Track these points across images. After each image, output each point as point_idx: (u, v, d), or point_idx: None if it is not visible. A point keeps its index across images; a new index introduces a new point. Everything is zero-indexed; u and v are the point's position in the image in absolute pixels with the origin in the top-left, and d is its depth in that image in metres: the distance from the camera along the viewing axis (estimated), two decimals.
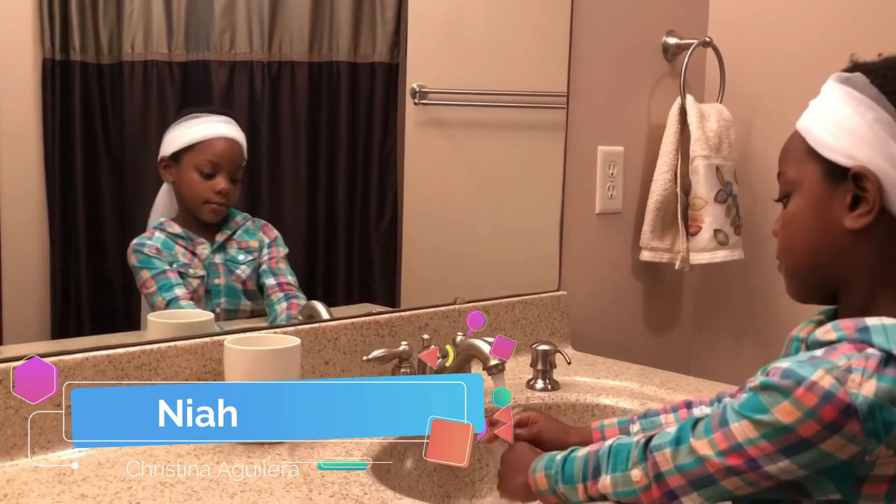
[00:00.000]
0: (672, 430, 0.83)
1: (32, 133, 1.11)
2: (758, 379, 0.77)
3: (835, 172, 0.80)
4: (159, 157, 1.23)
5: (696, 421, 0.81)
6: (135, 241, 1.22)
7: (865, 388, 0.72)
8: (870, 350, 0.74)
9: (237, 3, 1.26)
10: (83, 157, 1.16)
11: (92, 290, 1.19)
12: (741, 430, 0.76)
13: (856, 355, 0.74)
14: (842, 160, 0.79)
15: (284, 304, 1.31)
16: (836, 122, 0.80)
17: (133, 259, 1.22)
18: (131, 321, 1.21)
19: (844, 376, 0.72)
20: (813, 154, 0.82)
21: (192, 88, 1.24)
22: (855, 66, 0.84)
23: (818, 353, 0.77)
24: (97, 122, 1.17)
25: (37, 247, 1.13)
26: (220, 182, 1.26)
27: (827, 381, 0.72)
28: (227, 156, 1.26)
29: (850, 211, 0.80)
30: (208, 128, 1.25)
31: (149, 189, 1.24)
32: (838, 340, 0.77)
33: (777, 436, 0.73)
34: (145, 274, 1.21)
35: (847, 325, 0.77)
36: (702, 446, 0.78)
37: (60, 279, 1.15)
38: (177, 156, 1.23)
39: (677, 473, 0.80)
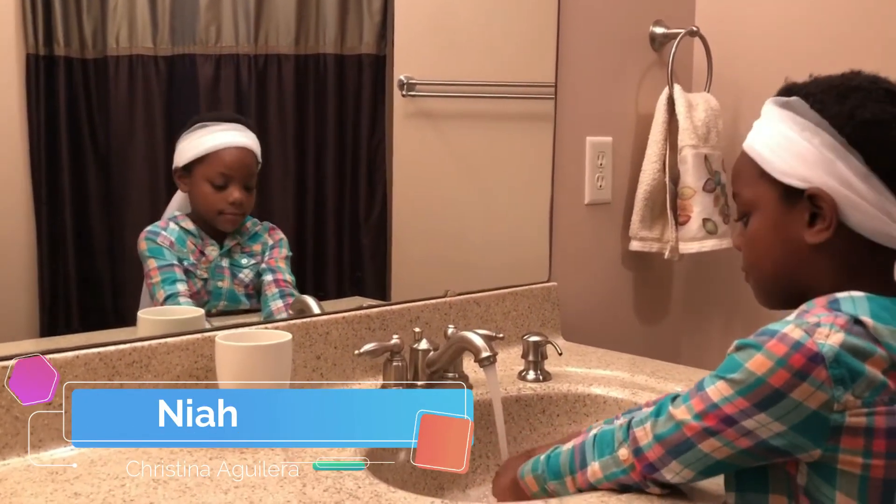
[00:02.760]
0: (653, 408, 0.87)
1: (17, 129, 1.10)
2: (734, 343, 0.82)
3: (791, 193, 0.86)
4: (173, 166, 1.23)
5: (677, 395, 0.85)
6: (149, 227, 1.22)
7: (832, 339, 0.77)
8: (840, 313, 0.81)
9: None
10: (69, 153, 1.15)
11: (81, 288, 1.18)
12: (717, 390, 0.80)
13: (826, 314, 0.81)
14: (797, 183, 0.85)
15: (280, 303, 1.30)
16: (786, 147, 0.86)
17: (144, 246, 1.21)
18: (121, 318, 1.20)
19: (813, 329, 0.78)
20: (767, 177, 0.88)
21: (178, 82, 1.23)
22: (790, 89, 0.89)
23: (792, 315, 0.84)
24: (83, 117, 1.16)
25: (24, 244, 1.13)
26: (234, 193, 1.25)
27: (797, 333, 0.78)
28: (238, 166, 1.25)
29: (809, 227, 0.86)
30: (217, 138, 1.24)
31: (136, 184, 1.23)
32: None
33: (751, 390, 0.78)
34: (153, 263, 1.21)
35: (819, 301, 0.83)
36: (680, 412, 0.82)
37: (49, 277, 1.14)
38: (189, 167, 1.23)
39: (656, 443, 0.84)
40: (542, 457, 0.95)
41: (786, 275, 0.89)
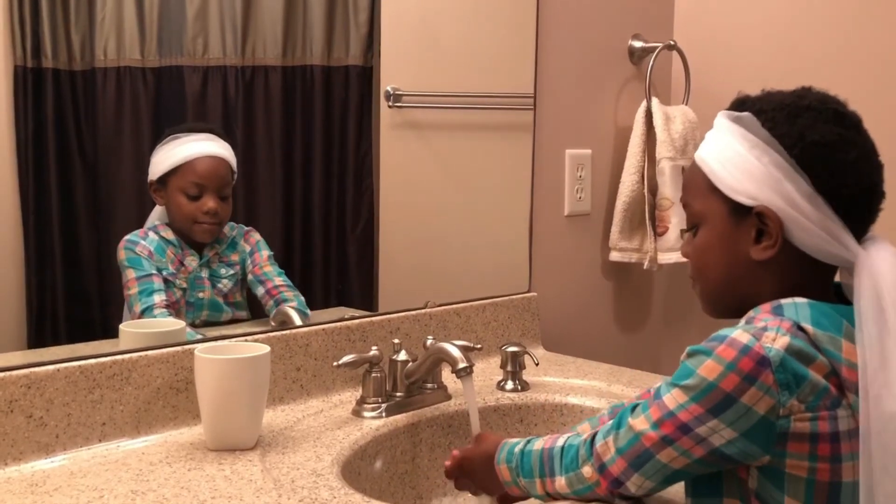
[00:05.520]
0: (613, 420, 0.88)
1: (5, 141, 1.10)
2: (686, 350, 0.84)
3: (739, 210, 0.88)
4: (148, 180, 1.23)
5: (636, 405, 0.87)
6: (128, 237, 1.22)
7: (778, 343, 0.79)
8: (784, 317, 0.83)
9: (210, 8, 1.25)
10: (57, 165, 1.15)
11: (68, 299, 1.18)
12: (672, 398, 0.82)
13: (772, 318, 0.83)
14: (745, 200, 0.87)
15: (276, 311, 1.32)
16: (736, 163, 0.87)
17: (122, 255, 1.21)
18: (108, 330, 1.20)
19: (760, 333, 0.81)
20: (717, 192, 0.89)
21: (166, 94, 1.23)
22: (743, 103, 0.90)
23: (742, 321, 0.87)
24: (71, 129, 1.16)
25: (12, 256, 1.13)
26: (208, 202, 1.26)
27: (745, 338, 0.81)
28: (212, 175, 1.26)
29: (755, 243, 0.87)
30: (190, 148, 1.24)
31: (123, 196, 1.24)
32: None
33: (704, 396, 0.80)
34: (131, 273, 1.21)
35: (764, 307, 0.86)
36: (638, 423, 0.84)
37: (36, 288, 1.15)
38: (163, 179, 1.24)
39: (618, 457, 0.85)
40: (517, 450, 0.95)
41: (730, 286, 0.91)
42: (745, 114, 0.88)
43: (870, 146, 0.87)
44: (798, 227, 0.85)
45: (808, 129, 0.84)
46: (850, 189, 0.84)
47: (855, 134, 0.86)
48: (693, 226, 0.94)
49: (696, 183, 0.92)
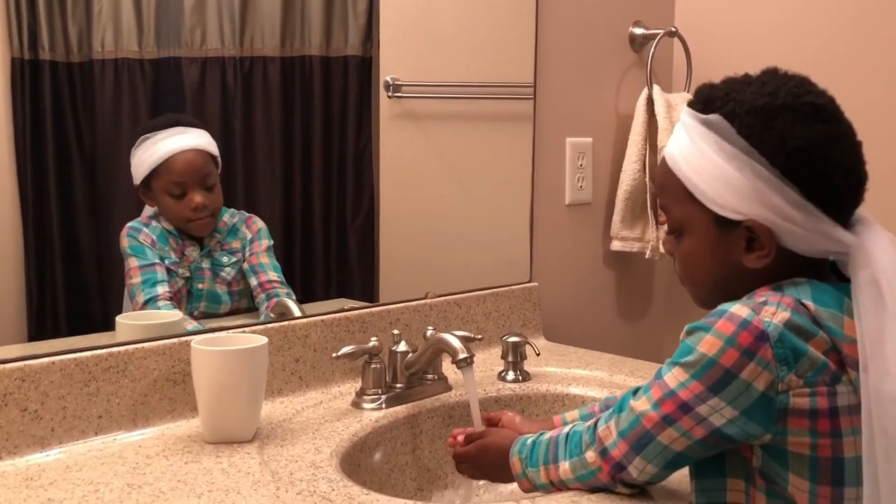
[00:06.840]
0: (616, 404, 0.88)
1: (3, 134, 1.10)
2: (685, 328, 0.83)
3: (725, 221, 0.85)
4: (135, 185, 1.22)
5: (638, 388, 0.86)
6: (130, 223, 1.22)
7: (777, 318, 0.79)
8: (785, 294, 0.82)
9: None
10: (55, 157, 1.15)
11: (67, 292, 1.18)
12: (673, 377, 0.82)
13: (772, 293, 0.82)
14: (730, 215, 0.84)
15: (266, 305, 1.31)
16: (716, 175, 0.83)
17: (125, 243, 1.21)
18: (108, 322, 1.19)
19: (760, 307, 0.80)
20: (698, 202, 0.85)
21: (164, 86, 1.23)
22: (710, 100, 0.85)
23: (742, 298, 0.85)
24: (69, 121, 1.16)
25: (11, 249, 1.13)
26: (195, 198, 1.24)
27: (744, 312, 0.80)
28: (190, 170, 1.24)
29: (746, 252, 0.84)
30: (162, 147, 1.21)
31: (122, 188, 1.23)
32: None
33: (704, 372, 0.79)
34: (134, 262, 1.20)
35: (763, 289, 0.84)
36: (640, 404, 0.84)
37: (36, 281, 1.15)
38: (146, 182, 1.22)
39: (620, 440, 0.85)
40: (530, 441, 0.96)
41: (722, 288, 0.88)
42: (716, 117, 0.82)
43: (849, 131, 0.84)
44: (789, 235, 0.83)
45: (788, 132, 0.80)
46: (839, 187, 0.82)
47: (835, 126, 0.83)
48: (675, 230, 0.90)
49: (673, 188, 0.88)
